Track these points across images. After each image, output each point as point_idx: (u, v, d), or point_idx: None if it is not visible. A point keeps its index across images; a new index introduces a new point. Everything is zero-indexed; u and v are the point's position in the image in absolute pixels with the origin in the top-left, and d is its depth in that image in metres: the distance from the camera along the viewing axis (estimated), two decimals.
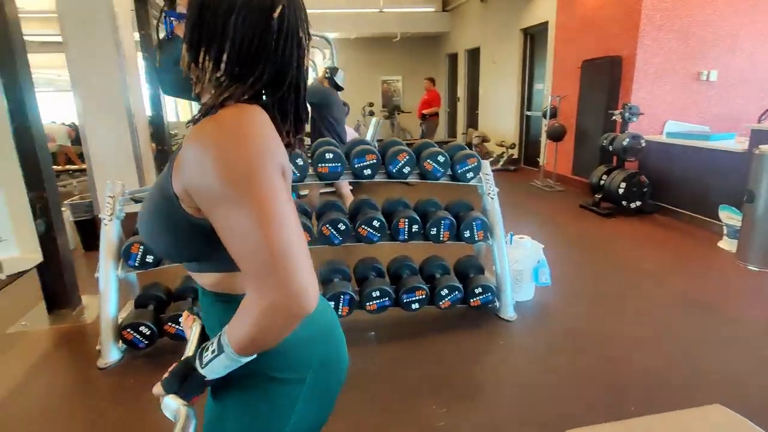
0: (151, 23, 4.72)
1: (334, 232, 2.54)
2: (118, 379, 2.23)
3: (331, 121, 4.27)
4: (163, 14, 0.79)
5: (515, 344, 2.52)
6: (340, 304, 2.48)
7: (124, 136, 3.77)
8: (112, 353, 2.34)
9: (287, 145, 0.79)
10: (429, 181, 2.69)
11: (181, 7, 0.75)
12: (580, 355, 2.36)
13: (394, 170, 2.61)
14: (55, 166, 6.74)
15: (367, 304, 2.52)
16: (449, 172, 2.71)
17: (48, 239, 2.74)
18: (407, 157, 2.60)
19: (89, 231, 3.94)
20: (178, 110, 10.92)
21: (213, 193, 0.64)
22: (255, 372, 0.77)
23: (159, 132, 5.12)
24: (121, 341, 2.35)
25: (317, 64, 7.73)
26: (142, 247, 2.33)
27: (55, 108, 9.18)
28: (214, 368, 0.70)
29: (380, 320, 2.65)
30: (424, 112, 8.12)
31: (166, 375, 0.74)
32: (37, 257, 2.79)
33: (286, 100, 0.77)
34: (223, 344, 0.68)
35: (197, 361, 0.72)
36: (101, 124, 3.65)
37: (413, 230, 2.62)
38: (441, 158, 2.63)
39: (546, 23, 6.82)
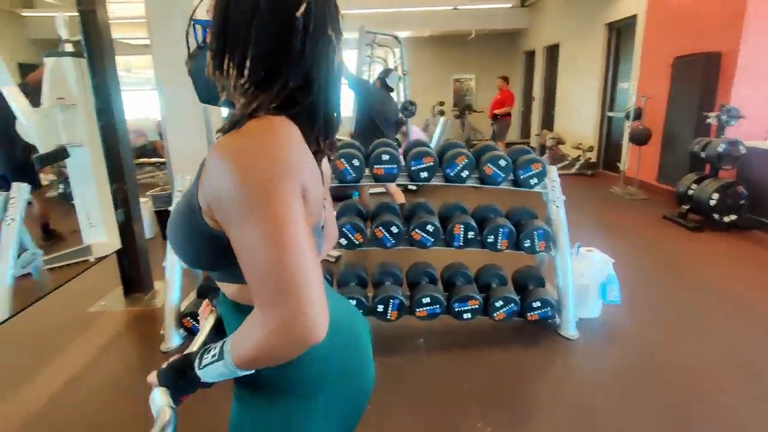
0: None
1: (387, 235, 2.50)
2: None
3: (372, 119, 4.24)
4: (192, 23, 0.79)
5: (574, 365, 2.33)
6: (389, 308, 2.44)
7: (200, 133, 3.99)
8: (173, 339, 2.48)
9: (317, 152, 0.75)
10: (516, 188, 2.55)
11: (210, 14, 0.74)
12: (647, 385, 2.13)
13: (451, 174, 2.52)
14: (144, 158, 7.36)
15: (417, 310, 2.45)
16: (511, 177, 2.57)
17: (126, 228, 2.97)
18: (466, 161, 2.49)
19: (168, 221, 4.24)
20: None
21: (227, 208, 0.62)
22: (270, 384, 0.76)
23: None
24: (182, 328, 2.48)
25: (389, 63, 7.74)
26: None
27: (149, 105, 10.01)
28: (209, 372, 0.69)
29: (431, 327, 2.58)
30: (496, 112, 7.84)
31: (164, 366, 0.73)
32: (118, 244, 3.04)
33: (316, 104, 0.72)
34: (224, 351, 0.67)
35: (197, 361, 0.71)
36: (180, 122, 3.90)
37: (469, 237, 2.52)
38: (502, 162, 2.50)
39: (634, 17, 6.31)
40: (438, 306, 2.45)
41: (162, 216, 4.31)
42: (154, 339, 2.56)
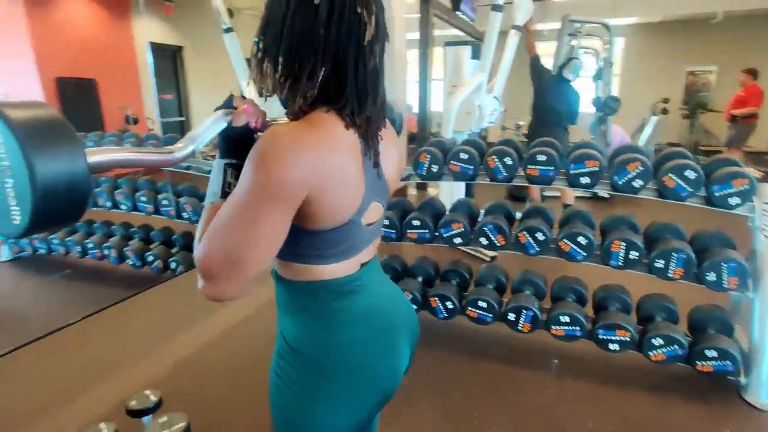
0: (430, 23, 5.13)
1: (531, 241, 2.32)
2: None
3: (540, 109, 4.27)
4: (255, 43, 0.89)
5: None
6: (521, 319, 2.28)
7: None
8: None
9: (365, 131, 0.78)
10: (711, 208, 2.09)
11: None
12: None
13: (620, 182, 2.18)
14: None
15: (553, 327, 2.23)
16: (702, 192, 2.09)
17: None
18: (640, 168, 2.13)
19: None
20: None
21: None
22: (292, 349, 0.84)
23: (421, 119, 5.55)
24: None
25: (598, 51, 6.95)
26: None
27: None
28: (216, 174, 0.80)
29: (569, 349, 2.31)
30: (734, 112, 6.29)
31: (232, 152, 0.81)
32: None
33: (346, 81, 0.74)
34: (213, 194, 0.79)
35: (228, 169, 0.80)
36: None
37: (631, 257, 2.16)
38: (690, 174, 2.05)
39: None
40: (579, 328, 2.19)
41: None
42: None
